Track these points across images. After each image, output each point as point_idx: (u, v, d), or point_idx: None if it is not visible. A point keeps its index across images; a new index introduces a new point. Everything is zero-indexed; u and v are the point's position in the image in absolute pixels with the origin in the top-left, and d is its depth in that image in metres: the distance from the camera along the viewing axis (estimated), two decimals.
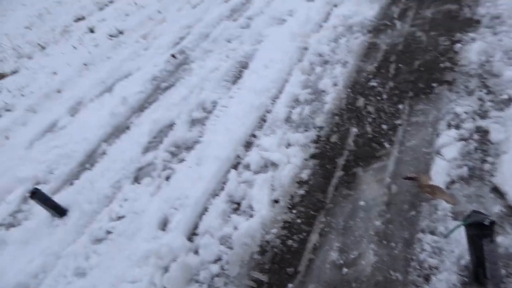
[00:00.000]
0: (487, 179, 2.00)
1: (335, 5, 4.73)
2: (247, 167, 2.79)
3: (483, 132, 2.28)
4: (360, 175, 2.42)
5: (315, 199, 2.41)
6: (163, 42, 5.33)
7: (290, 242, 2.19)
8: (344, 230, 2.13)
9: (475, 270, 1.60)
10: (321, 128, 2.94)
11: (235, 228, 2.33)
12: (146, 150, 3.41)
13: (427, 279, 1.73)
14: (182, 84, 4.16)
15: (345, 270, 1.93)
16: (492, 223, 1.43)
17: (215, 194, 2.67)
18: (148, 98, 4.27)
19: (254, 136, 3.09)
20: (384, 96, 2.99)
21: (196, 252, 2.30)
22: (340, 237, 2.10)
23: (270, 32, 4.53)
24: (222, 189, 2.69)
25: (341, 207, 2.27)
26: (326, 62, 3.72)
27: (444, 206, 1.96)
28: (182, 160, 3.11)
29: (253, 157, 2.81)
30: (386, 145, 2.55)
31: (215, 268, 2.17)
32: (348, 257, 1.98)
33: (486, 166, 2.07)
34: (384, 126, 2.70)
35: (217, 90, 3.81)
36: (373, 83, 3.19)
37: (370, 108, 2.91)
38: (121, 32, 6.28)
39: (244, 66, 4.10)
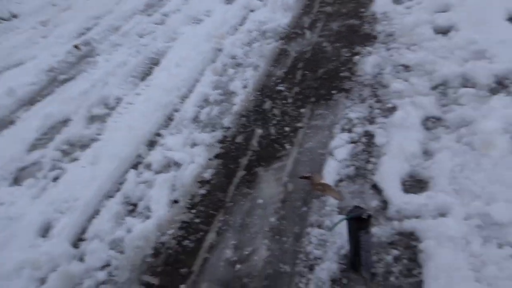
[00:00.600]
0: (369, 177, 2.19)
1: (252, 10, 4.84)
2: (148, 166, 2.68)
3: (370, 136, 2.49)
4: (260, 175, 2.48)
5: (215, 198, 2.40)
6: (66, 31, 4.92)
7: (186, 242, 2.15)
8: (241, 228, 2.15)
9: (352, 259, 1.73)
10: (228, 128, 2.96)
11: (129, 231, 2.20)
12: (33, 148, 3.05)
13: (311, 269, 1.82)
14: (83, 78, 3.86)
15: (238, 266, 1.94)
16: (369, 216, 1.57)
17: (109, 196, 2.49)
18: (42, 90, 3.87)
19: (159, 135, 2.99)
20: (290, 100, 3.11)
21: (81, 259, 2.09)
22: (236, 235, 2.12)
23: (185, 31, 4.47)
24: (118, 190, 2.52)
25: (240, 206, 2.29)
26: (238, 65, 3.77)
27: (332, 202, 2.09)
28: (74, 160, 2.84)
29: (155, 156, 2.72)
30: (287, 146, 2.65)
31: (102, 275, 1.99)
32: (242, 253, 2.00)
33: (369, 166, 2.25)
34: (287, 128, 2.81)
35: (123, 86, 3.62)
36: (280, 87, 3.31)
37: (276, 111, 3.01)
38: (14, 16, 5.68)
39: (155, 63, 3.98)
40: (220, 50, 4.07)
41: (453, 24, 3.34)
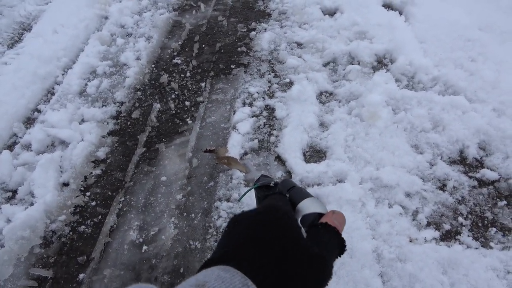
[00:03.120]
0: (272, 150, 2.25)
1: None
2: (27, 147, 2.32)
3: (270, 110, 2.55)
4: (162, 151, 2.35)
5: (113, 178, 2.20)
6: None
7: (82, 228, 1.93)
8: (144, 208, 2.02)
9: None
10: (121, 103, 2.72)
11: (8, 220, 1.89)
12: None
13: None
14: None
15: (144, 247, 1.83)
16: (276, 184, 1.61)
17: None
18: None
19: (38, 110, 2.60)
20: (188, 74, 2.99)
21: None
22: (140, 215, 1.98)
23: None
24: None
25: (142, 185, 2.15)
26: (128, 35, 3.47)
27: (238, 175, 2.10)
28: None
29: (35, 134, 2.35)
30: (189, 121, 2.55)
31: None
32: (148, 234, 1.89)
33: (272, 139, 2.32)
34: (187, 103, 2.70)
35: None
36: (177, 61, 3.16)
37: (174, 85, 2.87)
38: None
39: (25, 28, 3.41)
40: (106, 17, 3.69)
41: (338, 6, 3.60)
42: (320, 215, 0.65)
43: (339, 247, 0.58)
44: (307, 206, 0.68)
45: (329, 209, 0.65)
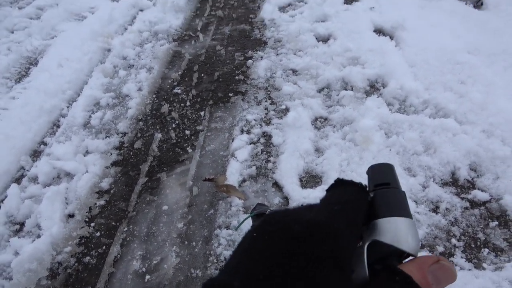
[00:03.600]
0: (270, 176, 2.33)
1: (141, 10, 4.67)
2: (34, 179, 2.41)
3: (267, 137, 2.65)
4: (163, 180, 2.44)
5: (117, 208, 2.28)
6: None
7: (87, 258, 2.00)
8: (147, 237, 2.09)
9: None
10: (124, 134, 2.82)
11: (16, 253, 1.96)
12: None
13: None
14: None
15: (147, 277, 1.89)
16: None
17: None
18: None
19: (44, 143, 2.70)
20: (188, 103, 3.11)
21: None
22: (142, 245, 2.05)
23: (66, 28, 4.09)
24: None
25: (144, 214, 2.22)
26: (130, 66, 3.61)
27: (237, 202, 2.18)
28: None
29: (42, 167, 2.45)
30: (189, 149, 2.65)
31: None
32: (151, 263, 1.95)
33: (269, 165, 2.40)
34: (187, 132, 2.80)
35: None
36: (177, 90, 3.28)
37: (174, 114, 2.98)
38: None
39: (32, 62, 3.56)
40: (108, 50, 3.84)
41: (331, 33, 3.74)
42: (405, 254, 0.40)
43: None
44: (392, 230, 0.40)
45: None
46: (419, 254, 0.40)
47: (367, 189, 0.46)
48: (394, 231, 0.40)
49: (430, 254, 0.29)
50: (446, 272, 0.37)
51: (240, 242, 0.37)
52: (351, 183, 0.45)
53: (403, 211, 0.42)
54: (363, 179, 0.47)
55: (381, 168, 0.48)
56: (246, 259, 0.34)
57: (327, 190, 0.46)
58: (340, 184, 0.45)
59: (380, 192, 0.45)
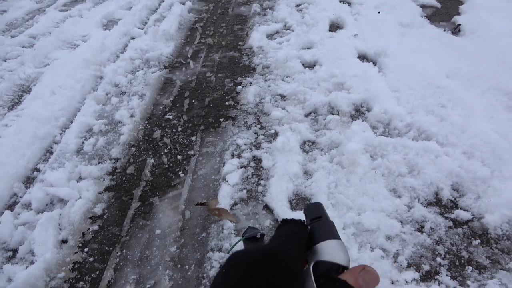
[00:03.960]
0: (260, 199, 2.40)
1: (133, 38, 4.79)
2: (27, 206, 2.43)
3: (257, 160, 2.72)
4: (156, 205, 2.48)
5: (109, 233, 2.30)
6: None
7: (80, 284, 2.01)
8: (140, 261, 2.12)
9: None
10: (117, 159, 2.87)
11: (9, 280, 1.97)
12: None
13: None
14: None
15: None
16: (262, 235, 1.73)
17: None
18: None
19: (37, 170, 2.73)
20: (179, 129, 3.18)
21: None
22: (136, 269, 2.07)
23: (59, 56, 4.18)
24: None
25: (137, 238, 2.25)
26: (122, 93, 3.69)
27: (229, 225, 2.22)
28: None
29: (35, 194, 2.47)
30: (181, 174, 2.70)
31: None
32: (145, 287, 1.97)
33: (260, 188, 2.47)
34: (179, 157, 2.87)
35: None
36: (169, 116, 3.36)
37: (166, 140, 3.04)
38: None
39: (25, 90, 3.62)
40: (101, 77, 3.93)
41: (317, 59, 3.90)
42: (341, 267, 0.52)
43: None
44: (328, 251, 0.54)
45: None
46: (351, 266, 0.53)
47: (306, 223, 0.61)
48: (329, 250, 0.54)
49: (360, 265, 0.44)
50: (371, 275, 0.49)
51: (214, 278, 0.47)
52: (293, 221, 0.60)
53: (334, 235, 0.57)
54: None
55: (314, 206, 0.66)
56: None
57: (276, 229, 0.61)
58: (285, 222, 0.61)
59: (315, 224, 0.60)
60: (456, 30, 4.33)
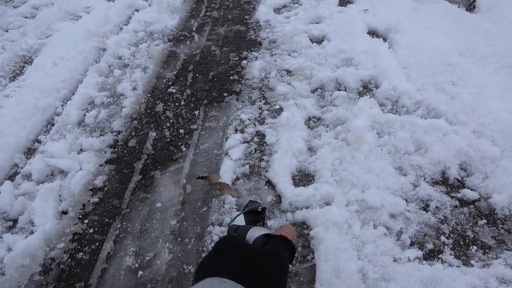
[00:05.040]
0: (263, 175, 2.35)
1: (137, 10, 4.68)
2: (27, 177, 2.41)
3: (261, 136, 2.67)
4: (157, 178, 2.45)
5: (110, 205, 2.29)
6: None
7: (80, 255, 2.00)
8: (140, 234, 2.10)
9: None
10: (118, 132, 2.83)
11: (9, 249, 1.97)
12: None
13: None
14: None
15: (140, 273, 1.90)
16: (264, 209, 1.69)
17: None
18: None
19: (38, 141, 2.70)
20: (182, 103, 3.12)
21: None
22: (136, 241, 2.06)
23: (61, 27, 4.10)
24: None
25: (138, 211, 2.23)
26: (125, 66, 3.62)
27: (230, 200, 2.19)
28: None
29: (35, 165, 2.45)
30: (183, 148, 2.66)
31: None
32: (144, 259, 1.96)
33: (263, 164, 2.43)
34: (182, 131, 2.82)
35: None
36: (172, 90, 3.29)
37: (169, 113, 2.99)
38: None
39: (27, 61, 3.56)
40: (103, 49, 3.85)
41: (325, 34, 3.78)
42: (267, 235, 0.73)
43: (289, 248, 0.68)
44: (252, 234, 0.75)
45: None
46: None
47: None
48: (253, 233, 0.75)
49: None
50: (289, 228, 0.74)
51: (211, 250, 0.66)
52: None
53: (249, 228, 0.77)
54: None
55: (236, 226, 0.83)
56: (217, 256, 0.62)
57: None
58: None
59: (238, 231, 0.79)
60: (471, 6, 4.16)
